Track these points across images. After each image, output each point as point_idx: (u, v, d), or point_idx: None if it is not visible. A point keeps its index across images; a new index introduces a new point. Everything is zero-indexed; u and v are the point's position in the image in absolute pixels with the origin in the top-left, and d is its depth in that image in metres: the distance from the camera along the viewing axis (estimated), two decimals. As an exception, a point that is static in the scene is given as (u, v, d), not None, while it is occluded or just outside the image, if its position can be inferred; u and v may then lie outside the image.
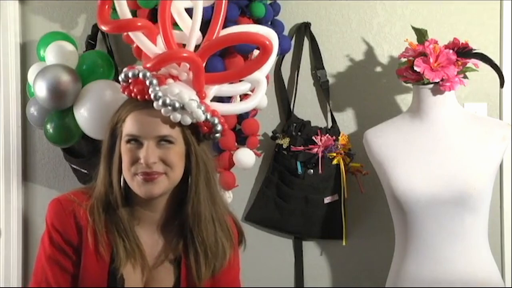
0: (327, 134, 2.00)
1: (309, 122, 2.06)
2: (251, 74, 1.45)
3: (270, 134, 2.06)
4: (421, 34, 1.87)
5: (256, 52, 1.77)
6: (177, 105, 1.32)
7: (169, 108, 1.32)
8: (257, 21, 1.92)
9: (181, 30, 1.54)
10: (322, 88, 2.09)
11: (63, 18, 2.12)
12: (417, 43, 1.86)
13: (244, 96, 1.66)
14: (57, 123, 1.85)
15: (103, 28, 1.46)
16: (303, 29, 2.10)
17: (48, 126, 1.86)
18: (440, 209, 1.75)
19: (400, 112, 2.02)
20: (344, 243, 2.03)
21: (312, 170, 2.00)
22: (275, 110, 2.11)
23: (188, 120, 1.34)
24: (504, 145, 1.83)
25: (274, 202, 2.05)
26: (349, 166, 2.02)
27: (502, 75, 1.85)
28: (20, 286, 2.09)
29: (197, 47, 1.47)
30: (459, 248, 1.75)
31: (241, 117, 1.96)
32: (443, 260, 1.76)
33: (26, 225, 2.13)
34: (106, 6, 1.46)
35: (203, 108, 1.36)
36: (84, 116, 1.81)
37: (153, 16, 1.73)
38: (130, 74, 1.36)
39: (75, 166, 1.98)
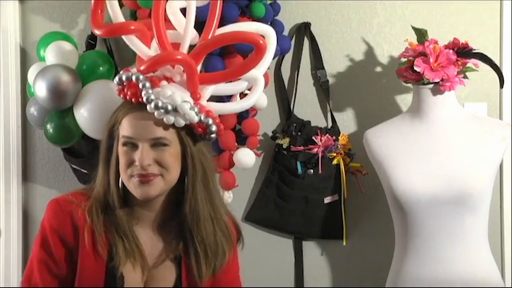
0: (327, 134, 2.00)
1: (309, 122, 2.06)
2: (246, 73, 1.45)
3: (270, 134, 2.06)
4: (421, 34, 1.87)
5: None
6: (169, 107, 1.33)
7: (162, 111, 1.33)
8: (257, 21, 1.92)
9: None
10: (322, 88, 2.09)
11: (63, 18, 2.12)
12: (417, 43, 1.86)
13: (243, 96, 1.65)
14: (57, 123, 1.85)
15: (97, 32, 1.46)
16: (303, 29, 2.10)
17: (48, 126, 1.86)
18: (440, 209, 1.75)
19: (400, 112, 2.02)
20: (344, 243, 2.03)
21: (312, 170, 2.00)
22: (275, 110, 2.11)
23: (181, 122, 1.35)
24: (504, 145, 1.83)
25: (274, 202, 2.05)
26: (349, 166, 2.02)
27: (502, 75, 1.85)
28: (20, 286, 2.09)
29: (193, 46, 1.47)
30: (459, 248, 1.75)
31: (241, 117, 1.96)
32: (443, 260, 1.76)
33: (26, 225, 2.13)
34: (99, 10, 1.46)
35: (196, 109, 1.37)
36: (84, 116, 1.81)
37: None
38: (124, 77, 1.37)
39: (75, 166, 1.98)
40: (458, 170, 1.77)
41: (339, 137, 2.01)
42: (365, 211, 2.10)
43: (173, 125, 1.35)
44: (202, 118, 1.37)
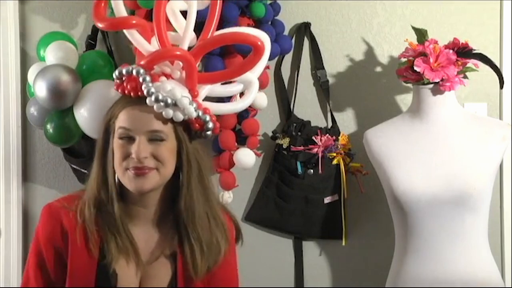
0: (327, 134, 2.00)
1: (309, 122, 2.06)
2: (243, 75, 1.47)
3: (270, 134, 2.06)
4: (421, 34, 1.87)
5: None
6: (169, 101, 1.34)
7: (162, 104, 1.34)
8: (257, 21, 1.92)
9: (176, 32, 1.56)
10: (322, 88, 2.09)
11: (63, 18, 2.12)
12: (417, 43, 1.86)
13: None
14: (57, 123, 1.85)
15: (99, 25, 1.49)
16: (303, 29, 2.10)
17: (48, 126, 1.86)
18: (440, 209, 1.75)
19: (400, 112, 2.02)
20: (343, 243, 2.03)
21: (312, 170, 2.00)
22: (275, 110, 2.11)
23: (180, 117, 1.36)
24: (504, 145, 1.83)
25: (274, 202, 2.04)
26: (349, 166, 2.02)
27: (502, 76, 1.84)
28: (20, 286, 2.09)
29: (190, 48, 1.48)
30: (459, 248, 1.75)
31: (241, 117, 1.96)
32: (443, 260, 1.76)
33: (26, 225, 2.13)
34: (102, 4, 1.49)
35: (195, 105, 1.38)
36: (84, 116, 1.81)
37: (150, 16, 1.73)
38: (124, 71, 1.38)
39: (75, 166, 1.98)
40: (458, 170, 1.77)
41: (339, 137, 2.01)
42: (365, 211, 2.10)
43: (170, 120, 1.36)
44: (200, 114, 1.39)
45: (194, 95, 1.40)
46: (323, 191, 2.02)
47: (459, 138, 1.82)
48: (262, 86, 1.91)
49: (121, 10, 1.53)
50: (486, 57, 1.82)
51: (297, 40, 2.10)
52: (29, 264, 1.41)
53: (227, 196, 1.97)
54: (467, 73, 1.85)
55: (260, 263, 2.10)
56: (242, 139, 1.97)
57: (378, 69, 2.11)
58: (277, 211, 2.04)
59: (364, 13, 2.11)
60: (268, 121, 2.09)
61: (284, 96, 2.09)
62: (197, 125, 1.40)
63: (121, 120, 1.36)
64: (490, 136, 1.83)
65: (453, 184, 1.75)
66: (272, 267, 2.12)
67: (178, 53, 1.40)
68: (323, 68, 2.09)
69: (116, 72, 1.40)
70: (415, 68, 1.79)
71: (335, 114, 2.09)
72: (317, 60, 2.10)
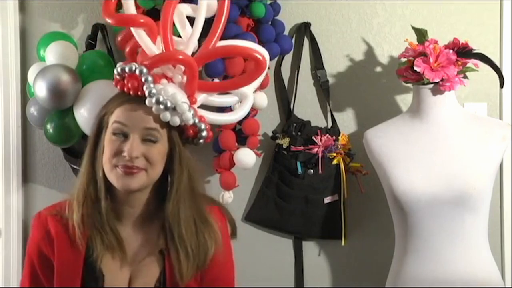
0: (327, 134, 2.00)
1: (309, 122, 2.06)
2: (243, 87, 1.50)
3: (270, 134, 2.06)
4: (421, 34, 1.87)
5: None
6: (169, 104, 1.35)
7: (161, 106, 1.35)
8: (257, 21, 1.92)
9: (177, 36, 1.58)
10: (322, 88, 2.09)
11: (63, 18, 2.12)
12: (417, 43, 1.86)
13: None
14: (57, 123, 1.85)
15: (107, 20, 1.50)
16: (303, 29, 2.10)
17: (48, 126, 1.86)
18: (440, 209, 1.75)
19: (400, 112, 2.02)
20: (343, 243, 2.03)
21: (312, 170, 2.00)
22: (275, 110, 2.11)
23: (177, 121, 1.37)
24: (504, 145, 1.83)
25: (274, 202, 2.04)
26: (349, 166, 2.02)
27: (502, 75, 1.84)
28: (20, 287, 2.09)
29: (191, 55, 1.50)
30: (459, 248, 1.75)
31: (241, 117, 1.96)
32: (443, 260, 1.76)
33: (26, 225, 2.13)
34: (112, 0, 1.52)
35: (192, 112, 1.39)
36: (84, 116, 1.81)
37: (150, 16, 1.73)
38: (126, 69, 1.38)
39: (75, 166, 1.98)
40: (458, 170, 1.77)
41: (339, 137, 2.01)
42: (365, 211, 2.10)
43: (166, 124, 1.37)
44: (196, 121, 1.41)
45: (192, 101, 1.42)
46: (323, 191, 2.02)
47: (459, 138, 1.82)
48: (262, 86, 1.92)
49: (130, 9, 1.55)
50: (486, 57, 1.82)
51: (297, 40, 2.10)
52: (24, 274, 1.44)
53: (227, 196, 1.97)
54: (467, 73, 1.85)
55: (260, 263, 2.10)
56: (242, 139, 1.97)
57: (378, 69, 2.11)
58: (277, 211, 2.04)
59: (364, 13, 2.11)
60: (268, 121, 2.09)
61: (284, 96, 2.09)
62: (191, 131, 1.42)
63: (117, 115, 1.37)
64: (490, 136, 1.82)
65: (453, 184, 1.75)
66: (272, 267, 2.12)
67: (181, 57, 1.42)
68: (323, 68, 2.09)
69: (118, 68, 1.40)
70: (415, 68, 1.79)
71: (335, 114, 2.09)
72: (317, 60, 2.10)
